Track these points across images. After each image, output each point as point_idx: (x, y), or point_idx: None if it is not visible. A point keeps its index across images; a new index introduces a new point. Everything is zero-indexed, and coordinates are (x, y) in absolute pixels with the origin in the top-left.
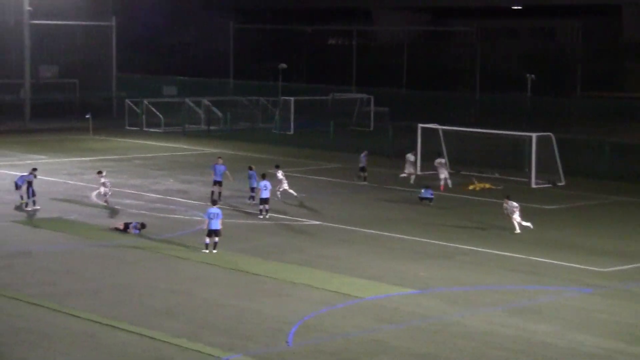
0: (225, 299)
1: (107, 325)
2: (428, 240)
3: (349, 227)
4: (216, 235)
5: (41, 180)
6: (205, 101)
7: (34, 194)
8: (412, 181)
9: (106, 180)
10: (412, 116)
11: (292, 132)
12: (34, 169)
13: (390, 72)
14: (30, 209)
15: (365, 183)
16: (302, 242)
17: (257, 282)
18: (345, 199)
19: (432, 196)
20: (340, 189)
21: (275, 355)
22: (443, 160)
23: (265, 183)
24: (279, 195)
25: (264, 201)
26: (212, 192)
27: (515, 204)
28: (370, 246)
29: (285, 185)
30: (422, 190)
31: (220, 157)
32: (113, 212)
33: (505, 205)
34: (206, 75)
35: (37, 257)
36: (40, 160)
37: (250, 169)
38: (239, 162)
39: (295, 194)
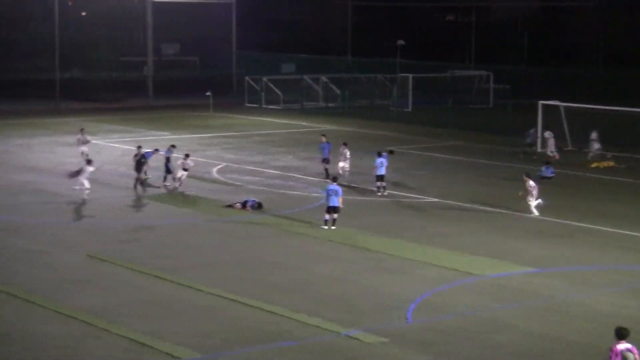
0: (344, 275)
1: (227, 298)
2: (547, 219)
3: (467, 205)
4: (335, 212)
5: (161, 155)
6: (324, 78)
7: (169, 171)
8: (554, 153)
9: (191, 163)
10: (533, 93)
11: (409, 109)
12: (173, 146)
13: (510, 49)
14: (169, 184)
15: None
16: (420, 220)
17: (375, 259)
18: (464, 177)
19: (553, 174)
20: (459, 166)
21: (395, 332)
22: (550, 134)
23: (381, 160)
24: (345, 175)
25: (380, 178)
26: (326, 170)
27: (533, 183)
28: (489, 224)
29: (347, 165)
30: (543, 168)
31: (324, 135)
32: (185, 197)
33: (526, 184)
34: (324, 52)
35: (160, 232)
36: (162, 136)
37: (324, 136)
38: (357, 139)
39: (348, 168)
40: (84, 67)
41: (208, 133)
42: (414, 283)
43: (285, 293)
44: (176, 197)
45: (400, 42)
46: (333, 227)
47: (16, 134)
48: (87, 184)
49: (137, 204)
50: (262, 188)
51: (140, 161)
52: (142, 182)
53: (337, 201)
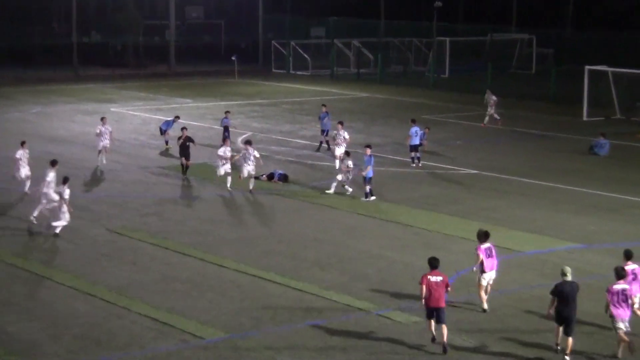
0: (379, 250)
1: (255, 276)
2: (594, 192)
3: (508, 177)
4: (368, 184)
5: (183, 124)
6: (355, 43)
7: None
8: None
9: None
10: (578, 58)
11: (447, 75)
12: (228, 111)
13: (554, 12)
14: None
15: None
16: (458, 193)
17: (411, 234)
18: (506, 147)
19: (606, 147)
20: (499, 136)
21: None
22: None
23: (415, 129)
24: (349, 177)
25: (414, 148)
26: (327, 143)
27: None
28: (532, 197)
29: (349, 161)
30: (595, 140)
31: (324, 105)
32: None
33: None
34: (356, 15)
35: (184, 206)
36: (185, 104)
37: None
38: (391, 108)
39: (351, 167)
40: (103, 31)
41: (233, 100)
42: (451, 259)
43: (317, 269)
44: (199, 169)
45: (438, 3)
46: (373, 198)
47: (33, 101)
48: (28, 186)
49: (160, 177)
50: (290, 159)
51: (185, 145)
52: (186, 169)
53: (371, 171)
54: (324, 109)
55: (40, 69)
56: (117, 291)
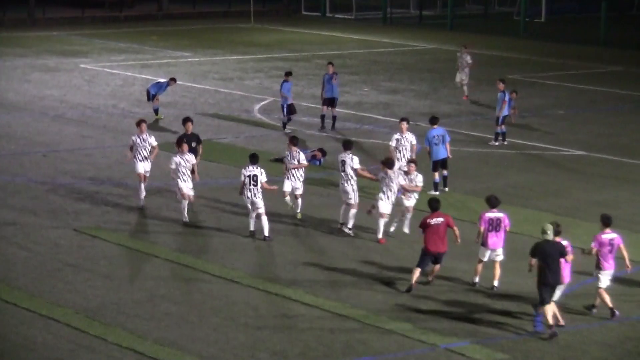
0: (449, 260)
1: (276, 294)
2: None
3: (632, 161)
4: (443, 168)
5: (181, 86)
6: None
7: (290, 112)
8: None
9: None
10: None
11: (542, 19)
12: (289, 73)
13: None
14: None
15: None
16: (560, 181)
17: None
18: (626, 120)
19: None
20: (618, 104)
21: (517, 346)
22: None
23: (505, 94)
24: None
25: (500, 121)
26: (322, 117)
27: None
28: None
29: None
30: None
31: (331, 63)
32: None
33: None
34: None
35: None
36: (182, 59)
37: (287, 77)
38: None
39: (407, 230)
40: None
41: (248, 54)
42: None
43: (361, 287)
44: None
45: None
46: (445, 189)
47: None
48: None
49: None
50: (325, 134)
51: (190, 146)
52: None
53: (445, 151)
54: (330, 69)
55: None
56: (87, 315)
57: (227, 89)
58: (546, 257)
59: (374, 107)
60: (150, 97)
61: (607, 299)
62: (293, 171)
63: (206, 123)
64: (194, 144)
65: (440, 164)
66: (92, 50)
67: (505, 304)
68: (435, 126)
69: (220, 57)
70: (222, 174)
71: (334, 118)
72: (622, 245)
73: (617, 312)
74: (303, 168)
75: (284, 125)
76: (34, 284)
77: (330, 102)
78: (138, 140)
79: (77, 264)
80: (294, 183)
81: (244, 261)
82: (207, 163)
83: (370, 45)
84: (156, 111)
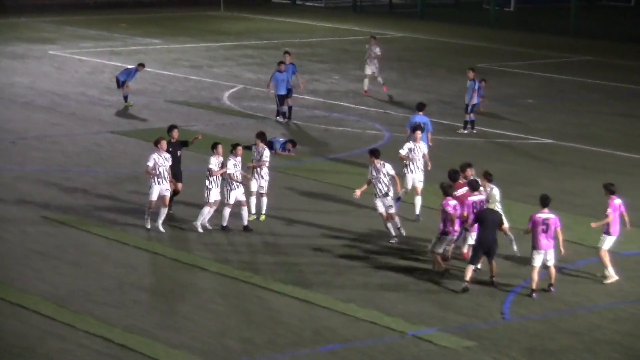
0: (417, 249)
1: (245, 282)
2: None
3: (600, 150)
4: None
5: (151, 74)
6: None
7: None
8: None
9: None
10: None
11: (512, 7)
12: (287, 52)
13: None
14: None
15: None
16: (529, 170)
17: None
18: (596, 108)
19: None
20: (586, 93)
21: (484, 333)
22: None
23: (475, 82)
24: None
25: (472, 109)
26: (278, 112)
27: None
28: (636, 177)
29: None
30: None
31: (287, 52)
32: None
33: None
34: None
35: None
36: (152, 46)
37: (279, 67)
38: (435, 53)
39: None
40: None
41: (218, 41)
42: (518, 262)
43: (332, 273)
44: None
45: None
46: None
47: None
48: None
49: (116, 145)
50: (296, 122)
51: (175, 154)
52: (172, 196)
53: (426, 139)
54: (287, 59)
55: None
56: (56, 302)
57: (197, 76)
58: (486, 223)
59: (344, 95)
60: (120, 84)
61: (536, 277)
62: (257, 169)
63: (176, 110)
64: (179, 153)
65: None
66: (61, 37)
67: (474, 292)
68: (420, 113)
69: (190, 44)
70: (193, 161)
71: (290, 109)
72: (559, 229)
73: (536, 295)
74: (266, 166)
75: (278, 114)
76: (2, 271)
77: (283, 98)
78: (160, 160)
79: (46, 251)
80: (258, 181)
81: (213, 249)
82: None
83: (340, 34)
84: (125, 98)
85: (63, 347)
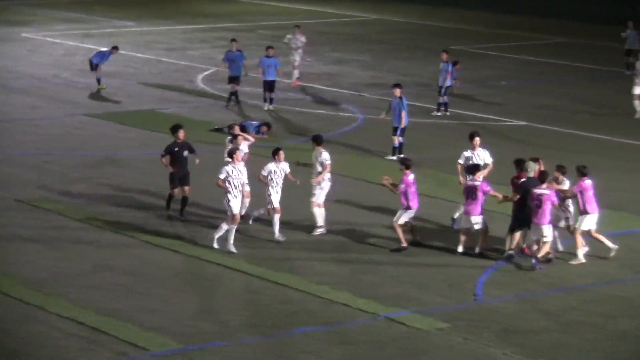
0: (387, 230)
1: (221, 265)
2: None
3: (574, 132)
4: (400, 135)
5: (124, 56)
6: None
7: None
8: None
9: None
10: None
11: None
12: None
13: None
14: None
15: None
16: (503, 152)
17: (435, 208)
18: (569, 91)
19: None
20: (562, 74)
21: (458, 314)
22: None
23: (445, 64)
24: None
25: (443, 92)
26: (265, 98)
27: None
28: (610, 159)
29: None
30: None
31: (234, 40)
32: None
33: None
34: None
35: (127, 167)
36: (125, 27)
37: (267, 52)
38: (411, 35)
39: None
40: None
41: (193, 24)
42: (493, 243)
43: (306, 259)
44: (148, 116)
45: None
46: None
47: None
48: None
49: (92, 128)
50: (272, 106)
51: (182, 155)
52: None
53: (406, 118)
54: (234, 46)
55: None
56: (32, 286)
57: (171, 58)
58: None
59: (318, 77)
60: (93, 66)
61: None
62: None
63: (149, 93)
64: (185, 154)
65: (396, 131)
66: (35, 20)
67: (448, 273)
68: (397, 95)
69: (165, 27)
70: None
71: (236, 95)
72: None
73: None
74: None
75: (265, 99)
76: None
77: (235, 80)
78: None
79: (24, 234)
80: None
81: (188, 231)
82: (150, 133)
83: (317, 16)
84: (99, 81)
85: (40, 330)
